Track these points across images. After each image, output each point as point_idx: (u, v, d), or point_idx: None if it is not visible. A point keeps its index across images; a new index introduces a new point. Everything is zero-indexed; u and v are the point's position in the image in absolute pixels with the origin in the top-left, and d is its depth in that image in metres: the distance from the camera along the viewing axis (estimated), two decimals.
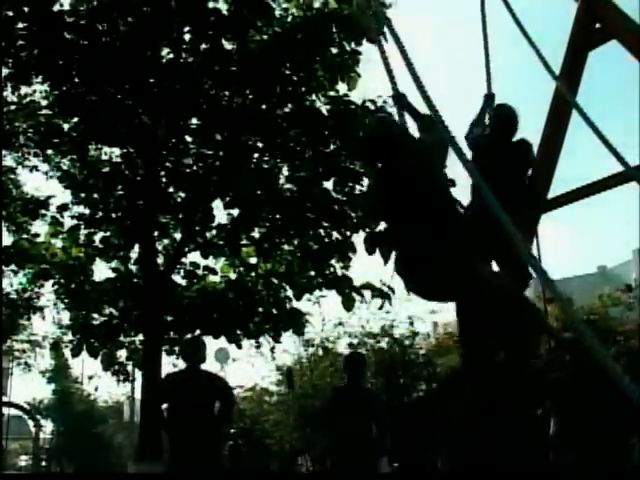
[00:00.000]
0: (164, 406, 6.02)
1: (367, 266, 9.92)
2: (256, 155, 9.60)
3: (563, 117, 5.42)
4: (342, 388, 6.59)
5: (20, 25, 8.45)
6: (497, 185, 4.45)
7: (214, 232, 9.94)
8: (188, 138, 9.85)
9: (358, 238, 9.26)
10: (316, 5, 9.55)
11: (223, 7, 9.13)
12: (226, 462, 6.00)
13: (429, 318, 13.35)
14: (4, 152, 9.93)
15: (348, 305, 9.72)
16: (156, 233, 10.08)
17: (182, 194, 10.00)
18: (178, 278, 10.51)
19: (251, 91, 9.16)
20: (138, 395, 16.93)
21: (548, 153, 5.53)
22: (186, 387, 5.85)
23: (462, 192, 4.92)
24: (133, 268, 10.46)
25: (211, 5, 9.02)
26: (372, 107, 9.13)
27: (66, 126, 9.87)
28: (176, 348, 10.39)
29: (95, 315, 10.38)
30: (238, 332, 10.08)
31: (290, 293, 10.06)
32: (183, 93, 8.92)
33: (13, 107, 9.74)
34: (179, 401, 5.80)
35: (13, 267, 10.59)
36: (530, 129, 5.74)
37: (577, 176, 5.80)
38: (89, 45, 8.64)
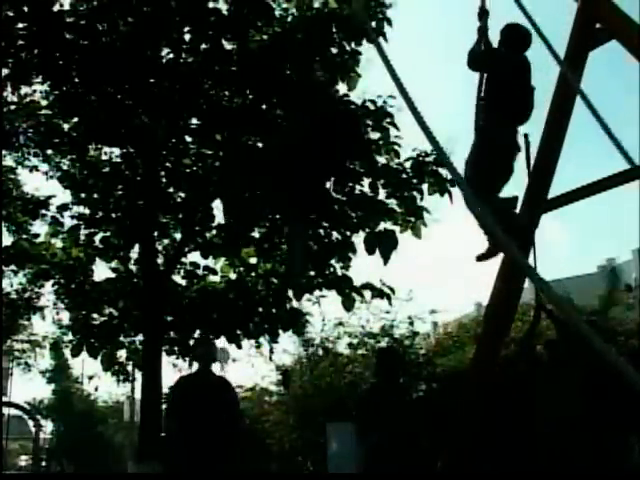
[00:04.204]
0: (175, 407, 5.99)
1: (367, 266, 9.99)
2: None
3: (564, 115, 5.41)
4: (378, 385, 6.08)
5: (20, 25, 8.45)
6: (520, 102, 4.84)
7: (214, 232, 9.95)
8: (188, 138, 9.85)
9: (358, 238, 9.28)
10: (316, 5, 9.56)
11: (223, 7, 9.14)
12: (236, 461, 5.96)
13: (429, 318, 13.36)
14: (4, 152, 9.94)
15: (348, 305, 9.73)
16: (156, 233, 10.08)
17: (182, 194, 10.00)
18: (178, 278, 10.53)
19: (251, 91, 9.15)
20: (138, 395, 16.91)
21: (548, 152, 5.53)
22: (199, 389, 5.83)
23: None
24: (133, 268, 10.46)
25: (211, 5, 9.03)
26: (372, 107, 9.13)
27: (66, 126, 9.88)
28: (176, 348, 10.40)
29: (95, 315, 10.38)
30: (238, 332, 10.08)
31: (290, 293, 10.07)
32: (183, 93, 8.91)
33: (13, 107, 9.75)
34: (193, 403, 5.77)
35: (13, 267, 10.60)
36: (530, 129, 5.74)
37: (577, 176, 5.80)
38: (89, 45, 8.64)
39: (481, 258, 5.20)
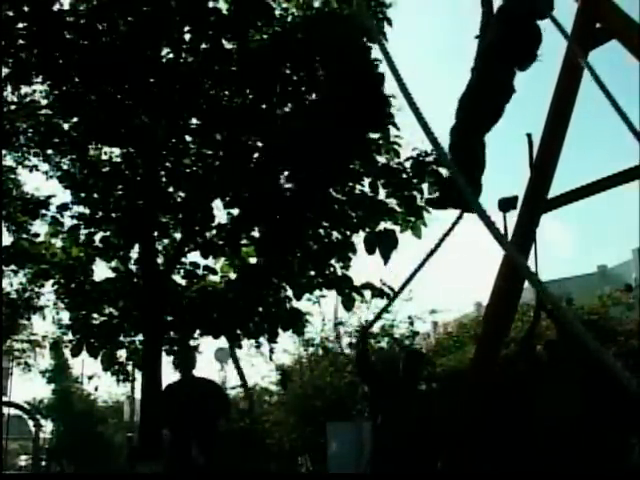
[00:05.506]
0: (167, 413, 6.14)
1: (367, 266, 9.99)
2: (256, 155, 9.60)
3: (564, 114, 5.41)
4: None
5: (20, 25, 8.46)
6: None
7: (214, 232, 9.94)
8: (188, 138, 9.85)
9: (358, 238, 9.28)
10: (316, 5, 9.56)
11: (223, 7, 9.14)
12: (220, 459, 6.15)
13: (429, 318, 13.37)
14: (4, 152, 9.94)
15: (348, 305, 9.73)
16: (156, 233, 10.08)
17: (182, 194, 10.00)
18: (178, 278, 10.53)
19: (251, 91, 9.16)
20: (138, 395, 16.91)
21: (549, 152, 5.53)
22: (184, 396, 5.96)
23: None
24: (133, 268, 10.46)
25: (211, 5, 9.03)
26: None
27: (66, 126, 9.88)
28: (176, 348, 10.39)
29: (95, 315, 10.38)
30: (238, 332, 10.08)
31: (290, 293, 10.07)
32: (183, 93, 8.91)
33: (13, 107, 9.75)
34: (180, 409, 5.89)
35: (13, 267, 10.60)
36: (531, 129, 5.74)
37: (578, 175, 5.80)
38: (89, 45, 8.64)
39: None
